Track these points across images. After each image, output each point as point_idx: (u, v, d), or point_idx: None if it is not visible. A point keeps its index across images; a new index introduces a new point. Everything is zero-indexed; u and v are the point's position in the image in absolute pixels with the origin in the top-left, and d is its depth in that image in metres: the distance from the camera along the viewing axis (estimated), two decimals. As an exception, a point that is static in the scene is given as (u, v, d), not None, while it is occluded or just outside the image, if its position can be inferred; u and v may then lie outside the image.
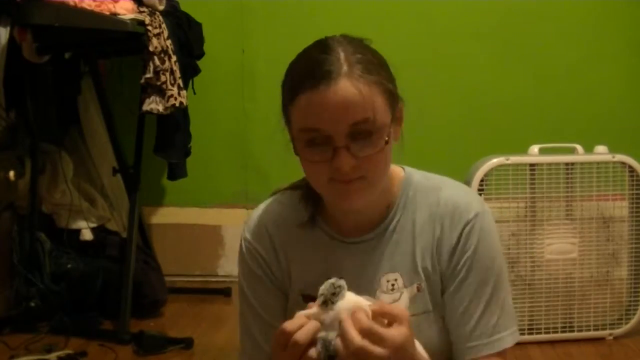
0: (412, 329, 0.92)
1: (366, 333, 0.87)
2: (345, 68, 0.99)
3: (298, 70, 1.03)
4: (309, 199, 1.15)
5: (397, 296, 1.10)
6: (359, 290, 0.99)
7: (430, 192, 1.13)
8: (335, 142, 0.99)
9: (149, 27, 2.44)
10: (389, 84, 1.03)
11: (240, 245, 1.18)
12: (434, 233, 1.11)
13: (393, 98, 1.04)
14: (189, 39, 2.74)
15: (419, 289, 1.10)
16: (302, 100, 1.00)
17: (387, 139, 1.01)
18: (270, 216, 1.17)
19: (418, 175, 1.16)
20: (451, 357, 1.12)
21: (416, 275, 1.10)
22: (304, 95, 0.99)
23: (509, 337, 1.10)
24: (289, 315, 1.05)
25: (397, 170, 1.16)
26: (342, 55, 1.00)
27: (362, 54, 1.02)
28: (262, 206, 1.19)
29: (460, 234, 1.09)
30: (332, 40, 1.04)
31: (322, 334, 0.89)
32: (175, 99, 2.50)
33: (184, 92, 2.56)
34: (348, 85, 0.98)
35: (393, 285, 1.10)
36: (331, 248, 1.13)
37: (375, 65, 1.02)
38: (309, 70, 1.00)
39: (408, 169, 1.17)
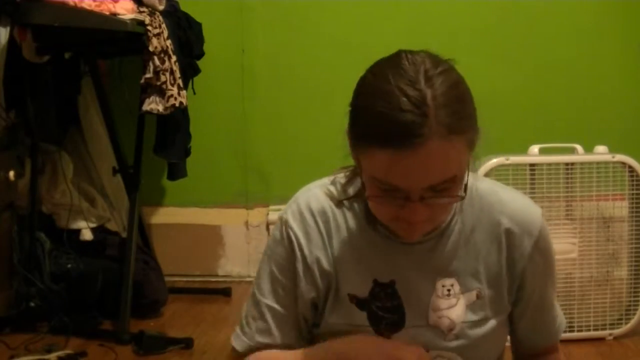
0: None
1: None
2: (434, 126, 0.85)
3: (375, 111, 0.88)
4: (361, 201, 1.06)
5: (454, 302, 1.04)
6: (412, 295, 1.02)
7: (488, 196, 1.06)
8: (410, 196, 0.90)
9: (149, 27, 2.44)
10: (475, 133, 0.92)
11: (283, 229, 1.06)
12: (500, 240, 1.05)
13: (474, 144, 0.93)
14: (189, 39, 2.74)
15: (478, 296, 1.05)
16: (377, 155, 0.88)
17: (464, 187, 0.93)
18: (321, 205, 1.06)
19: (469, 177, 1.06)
20: None
21: (475, 281, 1.05)
22: (381, 150, 0.87)
23: (563, 321, 1.19)
24: (334, 312, 1.04)
25: None
26: (431, 104, 0.86)
27: (453, 95, 0.88)
28: (319, 192, 1.07)
29: (534, 245, 1.06)
30: (417, 73, 0.89)
31: None
32: (175, 99, 2.50)
33: (184, 92, 2.56)
34: (436, 149, 0.86)
35: (449, 290, 1.04)
36: (385, 249, 1.04)
37: (465, 111, 0.90)
38: (390, 120, 0.86)
39: None
